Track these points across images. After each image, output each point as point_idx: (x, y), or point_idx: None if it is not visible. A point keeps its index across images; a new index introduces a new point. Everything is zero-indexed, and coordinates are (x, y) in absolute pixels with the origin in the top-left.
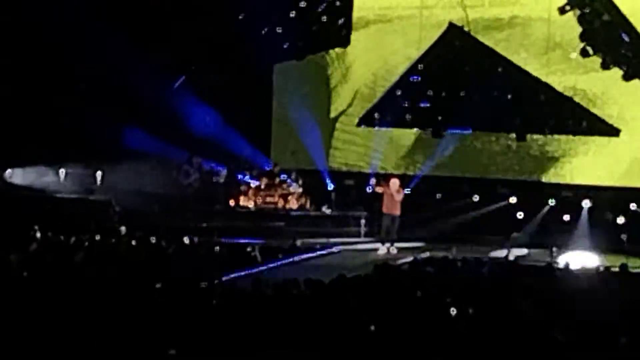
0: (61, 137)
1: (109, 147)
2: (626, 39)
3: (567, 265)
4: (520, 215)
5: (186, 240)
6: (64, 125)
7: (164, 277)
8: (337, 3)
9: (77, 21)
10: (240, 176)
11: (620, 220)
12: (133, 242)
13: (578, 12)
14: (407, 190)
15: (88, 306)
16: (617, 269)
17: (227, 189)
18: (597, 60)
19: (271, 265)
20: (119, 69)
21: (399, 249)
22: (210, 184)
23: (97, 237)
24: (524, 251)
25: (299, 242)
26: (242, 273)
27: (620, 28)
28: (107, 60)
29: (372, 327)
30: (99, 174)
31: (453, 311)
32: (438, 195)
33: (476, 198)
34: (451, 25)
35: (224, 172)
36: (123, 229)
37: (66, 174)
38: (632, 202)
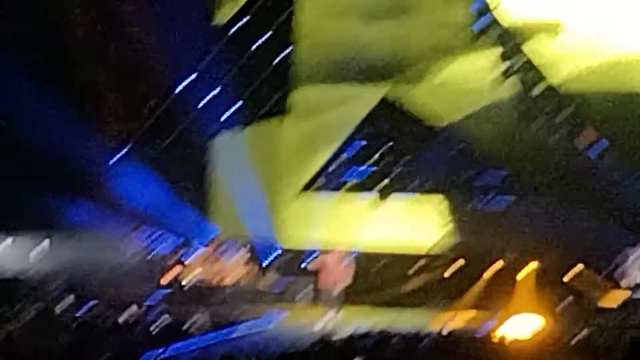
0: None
1: (54, 221)
2: None
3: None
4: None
5: (126, 316)
6: (6, 199)
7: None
8: (274, 72)
9: (15, 89)
10: (179, 249)
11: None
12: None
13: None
14: (349, 260)
15: None
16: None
17: (166, 262)
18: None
19: (211, 341)
20: (58, 143)
21: (340, 321)
22: (149, 257)
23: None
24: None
25: (238, 316)
26: (183, 349)
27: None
28: (47, 135)
29: None
30: (40, 247)
31: None
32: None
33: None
34: None
35: (162, 245)
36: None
37: (9, 245)
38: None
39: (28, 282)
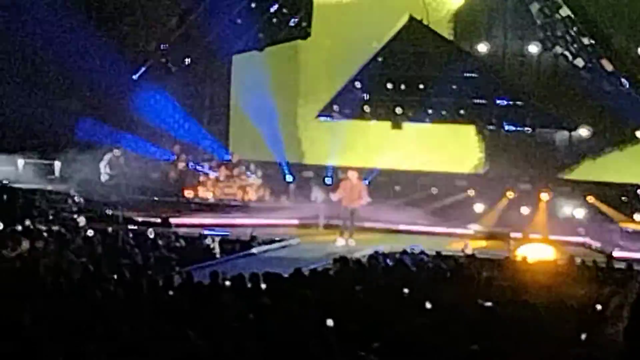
0: (19, 128)
1: (68, 137)
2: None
3: (524, 258)
4: (478, 207)
5: (150, 234)
6: (22, 116)
7: (121, 269)
8: None
9: (36, 13)
10: (198, 167)
11: (578, 213)
12: (91, 233)
13: (537, 5)
14: (366, 182)
15: (44, 296)
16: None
17: (185, 180)
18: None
19: (229, 257)
20: (79, 61)
21: (358, 241)
22: (168, 175)
23: (55, 227)
24: (482, 244)
25: (257, 234)
26: (200, 265)
27: (575, 22)
28: (68, 52)
29: (330, 321)
30: (57, 164)
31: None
32: (397, 188)
33: (435, 190)
34: (411, 18)
35: (182, 163)
36: (82, 219)
37: (24, 164)
38: (589, 195)
39: (49, 199)
